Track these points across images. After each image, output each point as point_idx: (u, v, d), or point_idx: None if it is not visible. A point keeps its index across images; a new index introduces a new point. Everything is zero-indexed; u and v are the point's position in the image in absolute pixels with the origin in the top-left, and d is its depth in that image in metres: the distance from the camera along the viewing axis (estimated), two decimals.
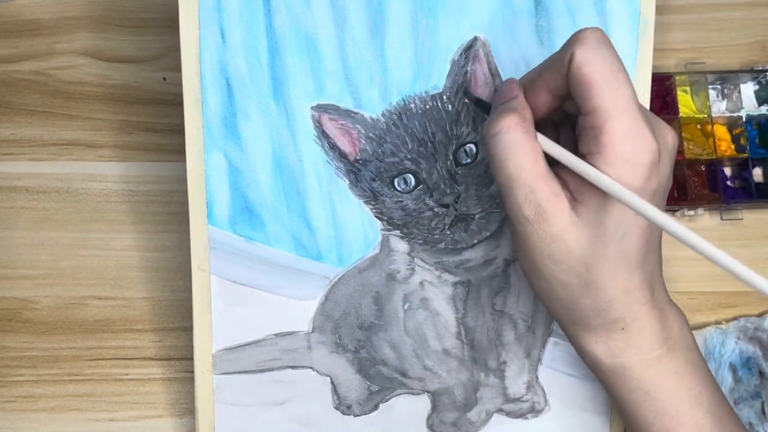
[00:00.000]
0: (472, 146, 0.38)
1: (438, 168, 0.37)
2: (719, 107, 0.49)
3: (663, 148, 0.30)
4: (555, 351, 0.40)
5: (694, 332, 0.46)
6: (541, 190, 0.29)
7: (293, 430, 0.41)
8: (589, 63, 0.28)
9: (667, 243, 0.47)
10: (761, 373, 0.45)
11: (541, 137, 0.31)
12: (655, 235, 0.31)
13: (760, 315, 0.47)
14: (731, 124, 0.49)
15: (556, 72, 0.30)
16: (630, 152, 0.28)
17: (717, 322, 0.46)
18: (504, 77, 0.38)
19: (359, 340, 0.40)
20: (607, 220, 0.29)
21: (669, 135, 0.31)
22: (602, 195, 0.29)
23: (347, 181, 0.38)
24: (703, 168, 0.48)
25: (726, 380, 0.45)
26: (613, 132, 0.28)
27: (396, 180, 0.38)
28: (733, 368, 0.45)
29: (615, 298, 0.30)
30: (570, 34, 0.36)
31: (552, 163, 0.31)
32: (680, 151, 0.47)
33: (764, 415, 0.45)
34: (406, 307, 0.40)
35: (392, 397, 0.41)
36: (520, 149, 0.30)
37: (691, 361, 0.33)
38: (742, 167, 0.48)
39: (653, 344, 0.32)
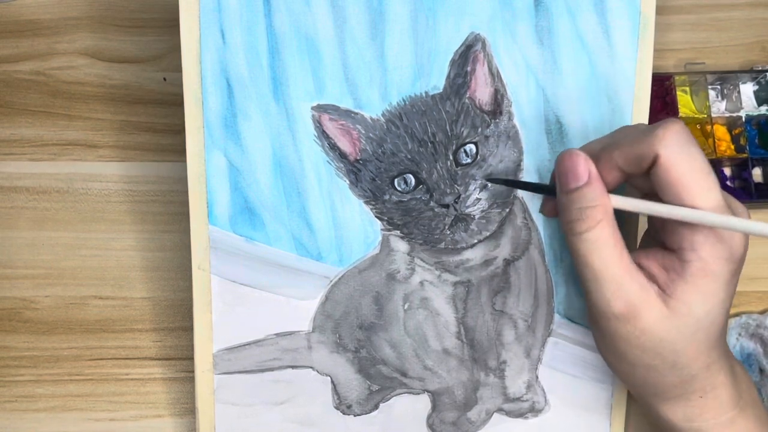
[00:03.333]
0: (472, 146, 0.38)
1: (438, 168, 0.37)
2: (719, 107, 0.49)
3: (746, 238, 0.30)
4: (555, 351, 0.40)
5: None
6: (629, 286, 0.30)
7: (293, 429, 0.41)
8: (679, 164, 0.29)
9: None
10: (761, 370, 0.45)
11: (629, 201, 0.30)
12: (731, 301, 0.32)
13: (762, 312, 0.47)
14: (731, 124, 0.49)
15: (633, 159, 0.30)
16: (727, 251, 0.29)
17: None
18: (504, 77, 0.38)
19: (359, 339, 0.40)
20: (697, 310, 0.30)
21: (744, 215, 0.31)
22: (693, 286, 0.29)
23: (347, 181, 0.38)
24: None
25: None
26: (707, 233, 0.29)
27: (396, 180, 0.38)
28: None
29: (698, 373, 0.31)
30: (570, 34, 0.37)
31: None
32: None
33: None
34: (406, 306, 0.40)
35: (392, 396, 0.41)
36: (607, 245, 0.30)
37: (759, 417, 0.33)
38: (742, 167, 0.48)
39: (728, 407, 0.32)
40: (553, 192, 0.33)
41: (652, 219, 0.33)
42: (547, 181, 0.38)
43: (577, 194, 0.31)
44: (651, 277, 0.30)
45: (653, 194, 0.31)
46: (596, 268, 0.30)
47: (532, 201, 0.39)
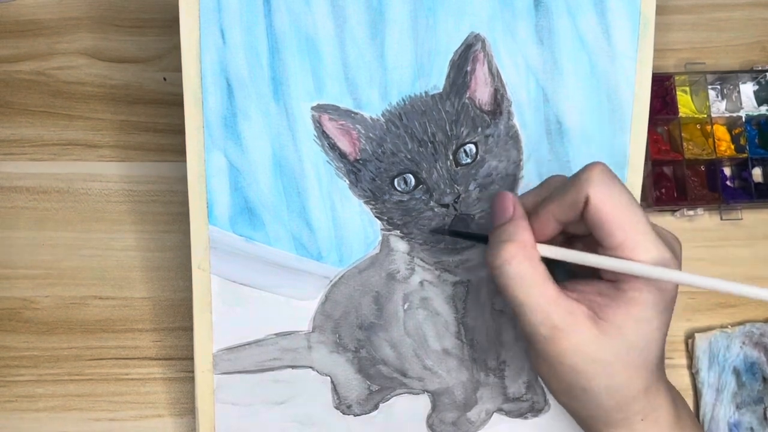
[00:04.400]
0: (472, 146, 0.38)
1: (438, 168, 0.37)
2: (719, 107, 0.49)
3: (679, 261, 0.31)
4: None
5: (699, 335, 0.46)
6: (555, 313, 0.31)
7: (293, 429, 0.41)
8: (607, 202, 0.30)
9: None
10: (765, 379, 0.45)
11: (556, 250, 0.32)
12: (665, 337, 0.33)
13: (767, 321, 0.47)
14: (731, 124, 0.49)
15: (567, 207, 0.31)
16: (662, 284, 0.30)
17: (723, 326, 0.46)
18: (504, 77, 0.38)
19: (359, 339, 0.40)
20: (630, 334, 0.30)
21: (677, 244, 0.33)
22: (626, 312, 0.30)
23: (347, 181, 0.38)
24: (702, 168, 0.48)
25: (729, 384, 0.45)
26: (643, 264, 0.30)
27: (396, 180, 0.38)
28: (737, 373, 0.45)
29: (637, 395, 0.32)
30: (570, 34, 0.37)
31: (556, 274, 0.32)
32: (680, 151, 0.47)
33: (766, 420, 0.45)
34: (406, 306, 0.40)
35: (392, 396, 0.41)
36: (526, 277, 0.31)
37: None
38: (742, 167, 0.48)
39: (669, 428, 0.33)
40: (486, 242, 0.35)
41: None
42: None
43: (499, 229, 0.32)
44: (586, 302, 0.31)
45: (588, 236, 0.32)
46: (520, 301, 0.31)
47: None
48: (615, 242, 0.30)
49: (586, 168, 0.31)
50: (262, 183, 0.38)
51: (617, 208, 0.30)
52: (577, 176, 0.31)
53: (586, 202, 0.30)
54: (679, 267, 0.31)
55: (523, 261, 0.31)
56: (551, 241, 0.33)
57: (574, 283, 0.32)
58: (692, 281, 0.29)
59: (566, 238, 0.34)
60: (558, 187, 0.32)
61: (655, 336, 0.31)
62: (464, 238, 0.38)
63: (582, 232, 0.33)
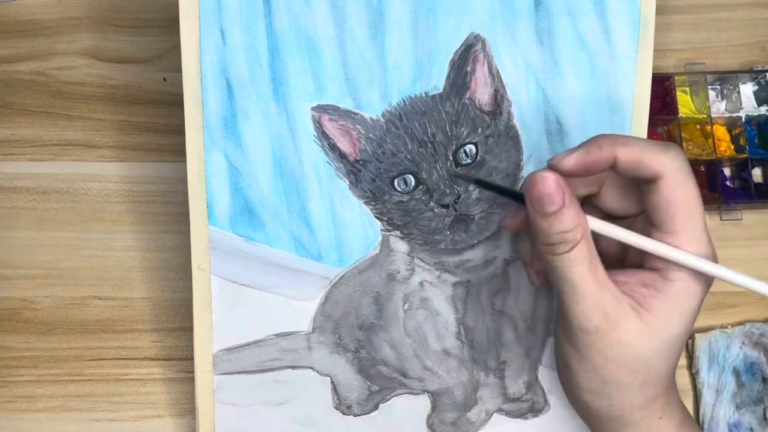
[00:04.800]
0: (472, 147, 0.38)
1: (438, 169, 0.37)
2: (719, 108, 0.49)
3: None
4: (555, 351, 0.40)
5: (699, 335, 0.46)
6: (606, 299, 0.30)
7: (293, 430, 0.41)
8: (684, 189, 0.29)
9: None
10: (764, 379, 0.45)
11: (609, 227, 0.31)
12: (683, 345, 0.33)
13: (766, 321, 0.47)
14: (730, 124, 0.49)
15: (633, 167, 0.30)
16: (706, 280, 0.31)
17: (722, 327, 0.46)
18: (504, 77, 0.38)
19: (359, 340, 0.40)
20: (674, 327, 0.30)
21: (714, 250, 0.33)
22: (674, 304, 0.30)
23: (347, 182, 0.38)
24: (702, 168, 0.48)
25: (729, 384, 0.45)
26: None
27: (396, 180, 0.38)
28: (737, 373, 0.45)
29: (662, 391, 0.32)
30: (570, 34, 0.37)
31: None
32: None
33: (766, 420, 0.45)
34: (406, 307, 0.40)
35: (392, 397, 0.41)
36: (584, 262, 0.30)
37: None
38: (742, 167, 0.48)
39: (680, 425, 0.33)
40: (522, 200, 0.32)
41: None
42: None
43: (555, 218, 0.30)
44: (628, 292, 0.31)
45: (620, 218, 0.32)
46: (574, 284, 0.30)
47: None
48: (674, 228, 0.30)
49: (673, 147, 0.30)
50: (262, 183, 0.38)
51: (690, 196, 0.29)
52: (665, 147, 0.30)
53: (660, 177, 0.29)
54: None
55: (583, 245, 0.30)
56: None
57: (612, 273, 0.31)
58: (744, 283, 0.30)
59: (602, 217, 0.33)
60: (638, 139, 0.31)
61: (689, 330, 0.31)
62: (490, 189, 0.36)
63: (623, 212, 0.32)
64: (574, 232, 0.30)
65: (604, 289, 0.30)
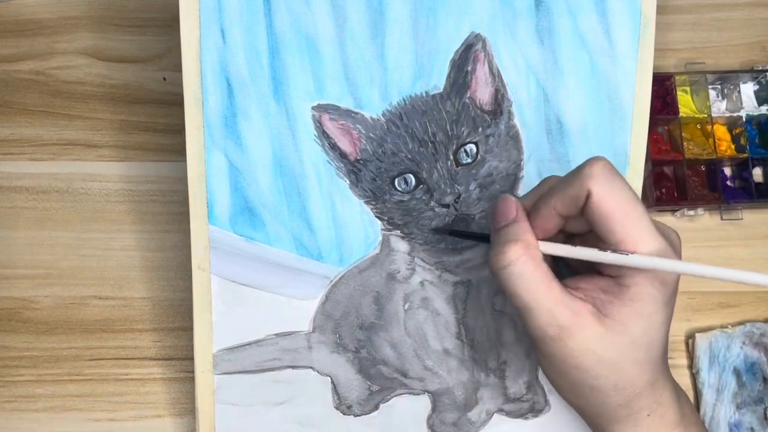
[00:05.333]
0: (472, 146, 0.38)
1: (438, 168, 0.37)
2: (719, 107, 0.49)
3: (679, 256, 0.31)
4: None
5: (699, 335, 0.46)
6: (561, 314, 0.30)
7: (293, 429, 0.41)
8: (608, 198, 0.30)
9: None
10: (765, 379, 0.45)
11: (558, 247, 0.32)
12: (667, 333, 0.33)
13: (767, 321, 0.47)
14: (731, 124, 0.49)
15: (569, 202, 0.31)
16: (663, 276, 0.30)
17: (723, 326, 0.46)
18: (504, 77, 0.38)
19: (360, 339, 0.40)
20: (634, 330, 0.30)
21: (676, 238, 0.33)
22: (630, 308, 0.30)
23: (348, 181, 0.38)
24: (703, 168, 0.48)
25: (729, 384, 0.45)
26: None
27: (396, 180, 0.38)
28: (737, 373, 0.45)
29: (642, 391, 0.32)
30: (571, 34, 0.37)
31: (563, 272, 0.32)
32: (680, 151, 0.47)
33: (766, 420, 0.45)
34: (406, 307, 0.40)
35: (392, 397, 0.41)
36: (531, 279, 0.31)
37: None
38: (742, 167, 0.48)
39: (674, 424, 0.33)
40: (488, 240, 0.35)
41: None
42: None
43: (502, 231, 0.32)
44: (589, 299, 0.31)
45: (587, 234, 0.32)
46: (525, 301, 0.31)
47: None
48: (616, 238, 0.30)
49: (589, 162, 0.31)
50: (263, 183, 0.38)
51: (619, 203, 0.30)
52: (580, 170, 0.31)
53: (588, 196, 0.30)
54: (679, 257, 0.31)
55: (527, 261, 0.31)
56: (552, 240, 0.33)
57: (576, 280, 0.32)
58: (692, 270, 0.29)
59: (566, 237, 0.34)
60: (560, 180, 0.32)
61: (658, 331, 0.31)
62: (465, 237, 0.38)
63: (581, 230, 0.33)
64: (515, 244, 0.31)
65: (557, 305, 0.30)
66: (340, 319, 0.40)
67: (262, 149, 0.38)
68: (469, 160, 0.38)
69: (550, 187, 0.33)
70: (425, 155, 0.37)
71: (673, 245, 0.31)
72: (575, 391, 0.32)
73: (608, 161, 0.31)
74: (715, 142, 0.48)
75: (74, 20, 0.50)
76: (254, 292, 0.39)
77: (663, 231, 0.32)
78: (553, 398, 0.41)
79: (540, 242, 0.32)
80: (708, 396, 0.45)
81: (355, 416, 0.41)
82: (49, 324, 0.46)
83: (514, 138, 0.38)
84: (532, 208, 0.33)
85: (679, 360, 0.47)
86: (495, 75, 0.38)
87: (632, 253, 0.30)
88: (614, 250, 0.30)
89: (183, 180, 0.38)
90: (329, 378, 0.40)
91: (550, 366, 0.32)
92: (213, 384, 0.40)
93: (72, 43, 0.50)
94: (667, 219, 0.48)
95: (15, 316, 0.46)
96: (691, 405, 0.35)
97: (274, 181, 0.38)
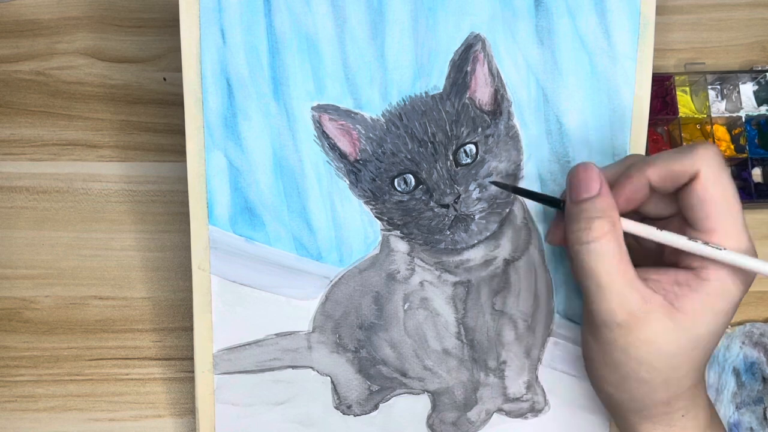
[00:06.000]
0: (472, 146, 0.38)
1: (438, 168, 0.37)
2: (719, 107, 0.49)
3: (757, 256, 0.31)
4: (555, 351, 0.40)
5: None
6: (633, 300, 0.30)
7: (293, 429, 0.41)
8: (716, 184, 0.29)
9: None
10: (764, 379, 0.45)
11: (643, 227, 0.31)
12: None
13: (767, 321, 0.47)
14: (731, 124, 0.49)
15: (670, 175, 0.30)
16: (743, 273, 0.30)
17: None
18: (504, 77, 0.38)
19: (359, 339, 0.40)
20: (703, 328, 0.30)
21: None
22: (707, 304, 0.30)
23: (347, 182, 0.38)
24: None
25: (729, 384, 0.45)
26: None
27: (396, 180, 0.38)
28: (737, 372, 0.45)
29: (686, 391, 0.31)
30: (570, 34, 0.37)
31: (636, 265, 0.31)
32: None
33: (766, 420, 0.45)
34: (406, 307, 0.40)
35: (392, 396, 0.41)
36: (612, 259, 0.30)
37: None
38: (742, 167, 0.48)
39: (704, 428, 0.33)
40: (559, 205, 0.33)
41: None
42: (546, 183, 0.38)
43: (587, 205, 0.31)
44: (661, 291, 0.31)
45: (657, 219, 0.32)
46: (601, 279, 0.30)
47: (531, 201, 0.39)
48: (710, 225, 0.29)
49: (701, 144, 0.30)
50: (262, 183, 0.38)
51: (723, 193, 0.29)
52: (691, 149, 0.30)
53: (695, 177, 0.29)
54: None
55: (612, 240, 0.30)
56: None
57: (646, 271, 0.31)
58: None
59: (639, 220, 0.33)
60: (665, 153, 0.31)
61: (720, 331, 0.31)
62: (531, 198, 0.36)
63: (658, 214, 0.32)
64: (602, 221, 0.30)
65: (630, 288, 0.30)
66: (340, 319, 0.40)
67: (262, 149, 0.38)
68: (469, 161, 0.38)
69: (643, 159, 0.32)
70: (425, 155, 0.37)
71: (752, 251, 0.31)
72: (622, 383, 0.32)
73: (719, 150, 0.30)
74: (714, 142, 0.48)
75: (74, 20, 0.50)
76: (254, 292, 0.39)
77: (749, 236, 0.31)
78: (553, 398, 0.41)
79: (624, 220, 0.31)
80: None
81: (354, 416, 0.41)
82: (49, 324, 0.46)
83: (514, 138, 0.38)
84: (617, 179, 0.32)
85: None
86: (494, 75, 0.38)
87: (724, 248, 0.29)
88: (705, 242, 0.29)
89: (183, 180, 0.38)
90: (329, 378, 0.41)
91: (603, 353, 0.31)
92: (213, 384, 0.40)
93: (72, 43, 0.50)
94: None
95: (15, 316, 0.46)
96: (714, 409, 0.34)
97: (274, 181, 0.38)
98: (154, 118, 0.49)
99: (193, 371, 0.40)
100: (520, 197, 0.38)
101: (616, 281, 0.30)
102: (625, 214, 0.32)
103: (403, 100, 0.37)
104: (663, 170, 0.30)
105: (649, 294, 0.30)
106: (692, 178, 0.30)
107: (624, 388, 0.32)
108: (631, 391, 0.32)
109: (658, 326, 0.30)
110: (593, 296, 0.31)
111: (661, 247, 0.33)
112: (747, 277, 0.30)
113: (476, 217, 0.38)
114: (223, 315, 0.39)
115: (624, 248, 0.30)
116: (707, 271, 0.30)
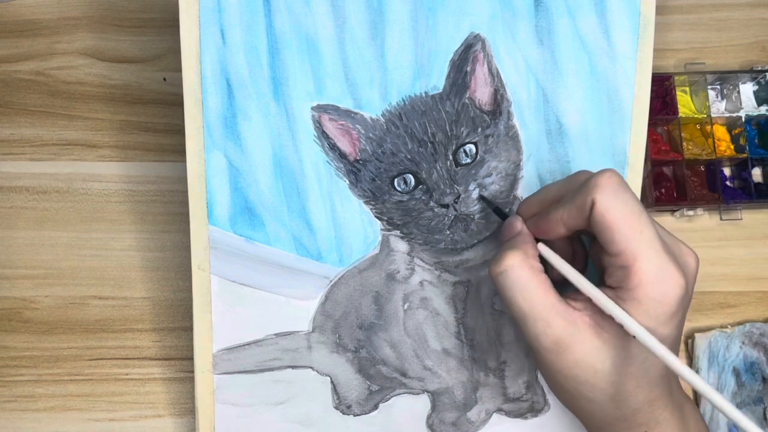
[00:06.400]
0: (472, 146, 0.38)
1: (438, 168, 0.37)
2: (718, 107, 0.49)
3: (689, 277, 0.31)
4: None
5: (699, 335, 0.46)
6: (555, 324, 0.31)
7: (293, 429, 0.41)
8: (612, 209, 0.30)
9: None
10: (764, 379, 0.45)
11: (551, 254, 0.32)
12: (678, 342, 0.32)
13: (766, 321, 0.47)
14: (730, 124, 0.49)
15: (575, 212, 0.31)
16: (660, 293, 0.29)
17: (722, 326, 0.46)
18: (504, 77, 0.38)
19: (359, 339, 0.40)
20: (631, 344, 0.30)
21: (691, 259, 0.32)
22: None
23: (347, 182, 0.38)
24: (702, 168, 0.48)
25: (729, 384, 0.45)
26: (642, 272, 0.29)
27: (396, 180, 0.38)
28: (737, 373, 0.45)
29: (639, 408, 0.31)
30: (570, 34, 0.37)
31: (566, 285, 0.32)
32: (680, 151, 0.48)
33: (766, 420, 0.45)
34: (406, 306, 0.40)
35: (392, 396, 0.41)
36: (527, 285, 0.31)
37: None
38: (742, 167, 0.48)
39: None
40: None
41: (593, 256, 0.35)
42: (546, 182, 0.38)
43: (505, 242, 0.34)
44: (588, 311, 0.31)
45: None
46: (521, 307, 0.31)
47: None
48: (617, 249, 0.30)
49: (596, 173, 0.31)
50: (262, 183, 0.38)
51: (622, 215, 0.30)
52: (587, 181, 0.31)
53: (592, 206, 0.30)
54: (686, 282, 0.30)
55: (524, 268, 0.31)
56: (566, 244, 0.34)
57: (575, 292, 0.32)
58: (658, 352, 0.29)
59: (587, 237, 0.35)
60: (568, 192, 0.32)
61: (664, 343, 0.30)
62: (492, 209, 0.38)
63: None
64: (513, 253, 0.31)
65: (553, 314, 0.31)
66: (340, 319, 0.40)
67: (261, 149, 0.38)
68: (469, 161, 0.38)
69: (554, 195, 0.33)
70: (425, 155, 0.37)
71: (686, 267, 0.31)
72: (574, 403, 0.32)
73: (616, 173, 0.31)
74: (714, 142, 0.48)
75: (74, 20, 0.50)
76: (254, 292, 0.39)
77: (676, 250, 0.31)
78: (553, 398, 0.41)
79: (540, 244, 0.33)
80: None
81: (354, 416, 0.41)
82: (49, 324, 0.46)
83: (514, 138, 0.38)
84: (539, 215, 0.33)
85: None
86: (494, 75, 0.38)
87: (630, 267, 0.29)
88: (615, 262, 0.30)
89: (183, 180, 0.38)
90: (329, 378, 0.41)
91: (548, 376, 0.33)
92: (213, 384, 0.40)
93: (72, 43, 0.50)
94: (667, 219, 0.48)
95: (15, 316, 0.46)
96: (701, 422, 0.34)
97: (274, 181, 0.38)
98: (153, 118, 0.49)
99: (192, 371, 0.40)
100: (518, 196, 0.38)
101: (535, 308, 0.31)
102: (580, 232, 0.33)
103: (403, 100, 0.37)
104: (569, 210, 0.31)
105: (575, 316, 0.31)
106: (592, 207, 0.30)
107: (577, 407, 0.33)
108: (584, 409, 0.32)
109: (587, 347, 0.31)
110: (519, 324, 0.32)
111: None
112: (663, 295, 0.30)
113: (476, 216, 0.38)
114: (223, 315, 0.39)
115: (540, 276, 0.31)
116: (623, 291, 0.30)
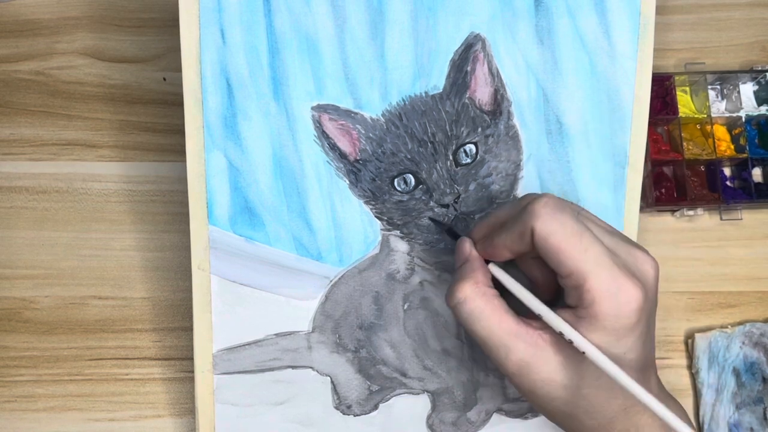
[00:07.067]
0: (472, 146, 0.38)
1: (438, 168, 0.37)
2: (719, 107, 0.49)
3: (646, 286, 0.30)
4: None
5: (699, 335, 0.46)
6: (516, 348, 0.31)
7: (293, 429, 0.41)
8: (553, 233, 0.30)
9: (667, 243, 0.48)
10: (764, 379, 0.45)
11: (504, 276, 0.33)
12: (648, 345, 0.32)
13: (766, 321, 0.47)
14: (731, 124, 0.49)
15: (517, 239, 0.31)
16: (614, 308, 0.29)
17: (722, 327, 0.46)
18: (504, 77, 0.38)
19: (359, 339, 0.40)
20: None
21: (649, 267, 0.32)
22: (585, 335, 0.30)
23: (347, 181, 0.38)
24: (702, 168, 0.48)
25: (729, 384, 0.45)
26: (594, 290, 0.29)
27: (396, 180, 0.38)
28: (737, 373, 0.45)
29: (615, 416, 0.32)
30: (570, 34, 0.37)
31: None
32: (680, 151, 0.48)
33: (766, 420, 0.45)
34: (406, 306, 0.40)
35: (392, 396, 0.41)
36: (482, 314, 0.31)
37: None
38: (742, 167, 0.48)
39: None
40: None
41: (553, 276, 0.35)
42: (546, 182, 0.38)
43: (457, 270, 0.34)
44: (550, 329, 0.31)
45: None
46: (481, 337, 0.32)
47: None
48: (566, 271, 0.30)
49: (533, 200, 0.31)
50: (262, 183, 0.38)
51: (563, 238, 0.30)
52: (524, 208, 0.31)
53: (533, 233, 0.30)
54: (643, 291, 0.30)
55: (476, 298, 0.31)
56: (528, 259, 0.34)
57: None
58: (612, 373, 0.29)
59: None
60: (508, 219, 0.32)
61: (627, 356, 0.30)
62: (444, 230, 0.38)
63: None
64: (463, 283, 0.32)
65: (513, 338, 0.31)
66: (340, 319, 0.40)
67: (261, 149, 0.38)
68: (469, 160, 0.38)
69: (502, 219, 0.33)
70: (425, 155, 0.37)
71: (643, 275, 0.31)
72: (554, 417, 0.33)
73: (552, 196, 0.31)
74: (714, 142, 0.48)
75: (74, 20, 0.50)
76: (254, 292, 0.39)
77: (630, 261, 0.31)
78: None
79: (491, 265, 0.33)
80: (707, 396, 0.45)
81: (354, 416, 0.41)
82: (49, 324, 0.46)
83: (514, 138, 0.38)
84: (487, 238, 0.33)
85: (678, 360, 0.47)
86: (494, 75, 0.38)
87: (582, 286, 0.29)
88: (567, 284, 0.30)
89: (183, 180, 0.38)
90: (329, 378, 0.41)
91: (523, 396, 0.33)
92: (213, 384, 0.40)
93: (72, 43, 0.50)
94: (667, 219, 0.48)
95: (15, 316, 0.46)
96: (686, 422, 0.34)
97: (274, 181, 0.38)
98: (153, 118, 0.49)
99: (192, 371, 0.40)
100: (518, 196, 0.38)
101: (494, 336, 0.31)
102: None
103: (403, 100, 0.37)
104: (511, 237, 0.32)
105: (535, 336, 0.31)
106: (532, 236, 0.30)
107: (558, 420, 0.33)
108: (564, 423, 0.33)
109: (551, 365, 0.31)
110: (484, 351, 0.32)
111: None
112: (618, 310, 0.29)
113: (476, 216, 0.38)
114: (222, 315, 0.39)
115: (494, 302, 0.32)
116: (580, 309, 0.30)
